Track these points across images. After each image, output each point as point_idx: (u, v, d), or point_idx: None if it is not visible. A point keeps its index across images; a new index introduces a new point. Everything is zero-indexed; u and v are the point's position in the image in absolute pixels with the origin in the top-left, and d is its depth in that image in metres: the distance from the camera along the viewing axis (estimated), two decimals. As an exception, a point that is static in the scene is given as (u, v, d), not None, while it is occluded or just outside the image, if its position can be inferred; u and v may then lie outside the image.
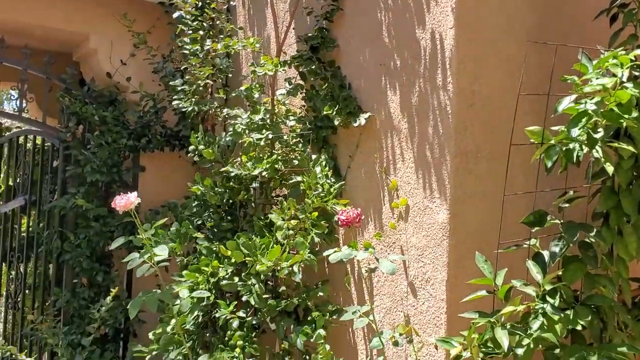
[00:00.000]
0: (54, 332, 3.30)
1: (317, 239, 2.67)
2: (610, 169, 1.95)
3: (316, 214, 2.70)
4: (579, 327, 1.96)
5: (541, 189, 2.18)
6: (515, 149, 2.16)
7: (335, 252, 2.06)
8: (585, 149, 1.96)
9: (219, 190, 3.00)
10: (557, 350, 2.02)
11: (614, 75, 1.93)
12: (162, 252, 2.23)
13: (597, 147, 1.97)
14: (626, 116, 1.88)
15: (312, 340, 2.53)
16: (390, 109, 2.57)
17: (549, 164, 1.95)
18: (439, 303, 2.28)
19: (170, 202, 3.52)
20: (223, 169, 2.97)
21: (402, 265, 2.46)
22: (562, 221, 2.08)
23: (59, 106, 3.85)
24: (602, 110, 1.92)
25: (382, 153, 2.60)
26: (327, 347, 2.39)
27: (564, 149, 1.97)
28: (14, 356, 3.22)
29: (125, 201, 2.16)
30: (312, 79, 2.91)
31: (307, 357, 2.70)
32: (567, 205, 2.15)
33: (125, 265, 3.83)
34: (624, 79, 1.91)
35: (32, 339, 3.80)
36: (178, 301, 2.55)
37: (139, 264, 2.23)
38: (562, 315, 1.92)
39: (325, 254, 2.13)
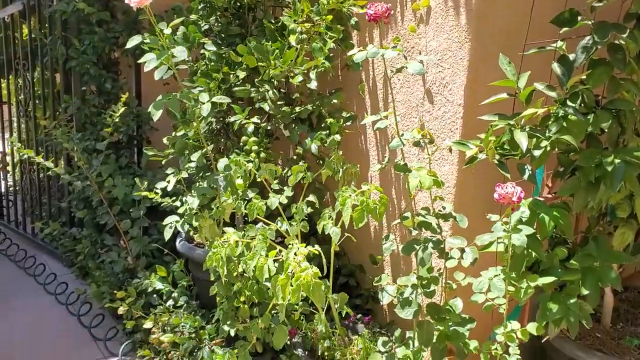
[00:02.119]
0: (69, 138, 3.34)
1: (331, 45, 2.57)
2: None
3: (331, 17, 2.57)
4: (597, 131, 1.95)
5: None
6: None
7: (360, 50, 1.96)
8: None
9: (226, -10, 2.83)
10: (573, 154, 2.04)
11: None
12: (181, 53, 2.13)
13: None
14: None
15: (326, 145, 2.55)
16: None
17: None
18: (455, 108, 2.26)
19: (175, 6, 3.36)
20: (229, -35, 2.77)
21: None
22: (593, 21, 1.97)
23: None
24: None
25: (404, -52, 2.40)
26: (340, 152, 2.41)
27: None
28: (32, 159, 3.31)
29: (139, -5, 2.00)
30: None
31: (321, 162, 2.76)
32: (599, 4, 2.02)
33: (133, 74, 3.80)
34: None
35: (47, 144, 3.87)
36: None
37: (157, 65, 2.14)
38: (583, 118, 1.89)
39: (350, 53, 2.04)
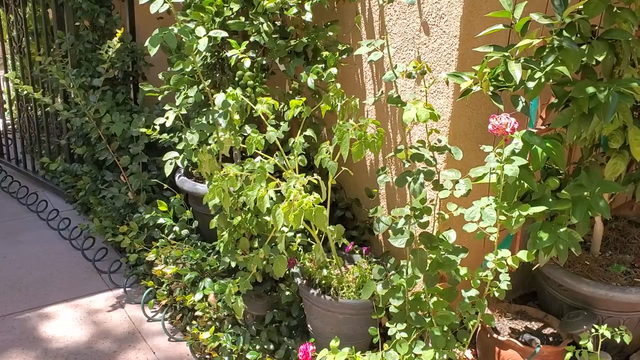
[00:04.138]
0: (65, 74, 3.32)
1: (326, -25, 2.53)
2: None
3: (325, -54, 2.52)
4: (593, 62, 1.95)
5: None
6: None
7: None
8: None
9: None
10: (567, 85, 2.05)
11: None
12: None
13: None
14: None
15: (322, 79, 2.55)
16: None
17: None
18: (451, 40, 2.24)
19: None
20: None
21: (416, 2, 2.36)
22: (592, -51, 1.94)
23: None
24: None
25: None
26: (338, 85, 2.41)
27: None
28: (30, 95, 3.30)
29: None
30: None
31: (317, 97, 2.76)
32: None
33: (126, 8, 3.74)
34: None
35: (43, 81, 3.85)
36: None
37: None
38: (578, 49, 1.89)
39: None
